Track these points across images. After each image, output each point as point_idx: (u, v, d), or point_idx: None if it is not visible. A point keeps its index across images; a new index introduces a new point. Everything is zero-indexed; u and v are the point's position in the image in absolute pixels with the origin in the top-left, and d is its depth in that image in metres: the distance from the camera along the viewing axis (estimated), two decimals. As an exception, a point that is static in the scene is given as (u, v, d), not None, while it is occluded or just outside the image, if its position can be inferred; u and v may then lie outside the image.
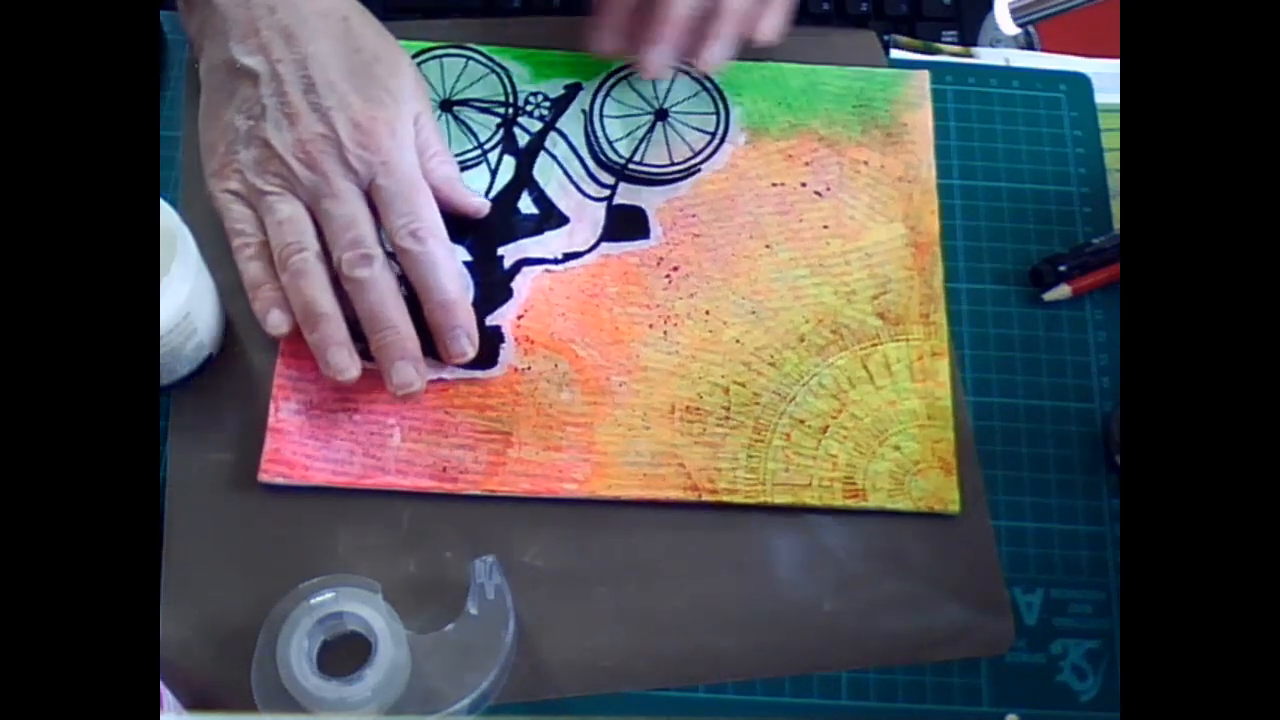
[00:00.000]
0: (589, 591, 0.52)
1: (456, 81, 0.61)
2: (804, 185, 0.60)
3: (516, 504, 0.53)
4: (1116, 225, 0.61)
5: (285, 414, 0.53)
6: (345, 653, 0.49)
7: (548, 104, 0.61)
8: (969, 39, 0.68)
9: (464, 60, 0.62)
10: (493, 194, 0.59)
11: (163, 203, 0.50)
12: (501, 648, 0.49)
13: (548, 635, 0.51)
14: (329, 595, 0.49)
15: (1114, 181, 0.62)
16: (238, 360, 0.55)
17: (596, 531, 0.53)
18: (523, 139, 0.60)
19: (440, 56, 0.62)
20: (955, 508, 0.54)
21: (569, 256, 0.58)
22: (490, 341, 0.55)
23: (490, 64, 0.62)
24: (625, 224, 0.59)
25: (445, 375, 0.54)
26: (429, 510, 0.53)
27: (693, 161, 0.60)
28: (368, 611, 0.48)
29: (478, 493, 0.53)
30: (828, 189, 0.60)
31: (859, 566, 0.53)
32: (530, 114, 0.60)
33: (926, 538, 0.53)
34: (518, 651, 0.50)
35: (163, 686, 0.45)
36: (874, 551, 0.53)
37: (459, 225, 0.57)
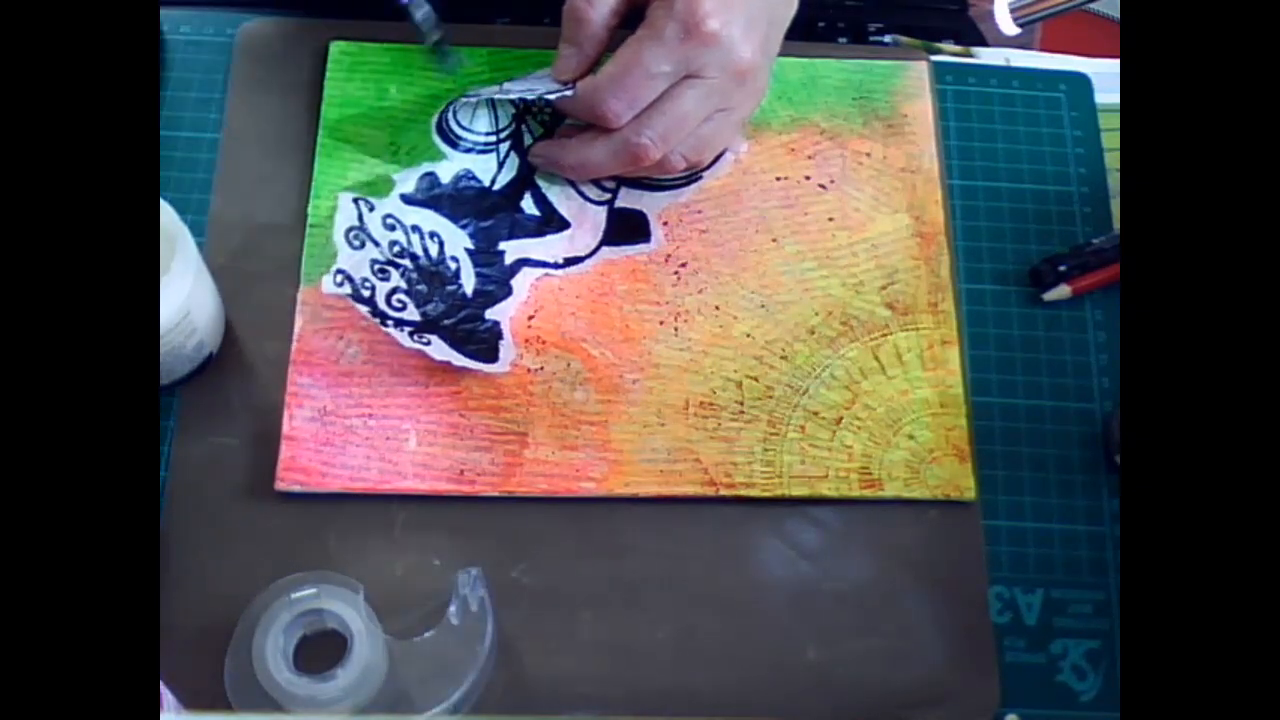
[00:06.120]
0: (574, 614, 0.51)
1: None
2: (808, 178, 0.60)
3: (509, 518, 0.53)
4: (1116, 225, 0.61)
5: (299, 421, 0.53)
6: (322, 651, 0.49)
7: (549, 110, 0.60)
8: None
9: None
10: (497, 187, 0.58)
11: (163, 203, 0.50)
12: (478, 660, 0.49)
13: (528, 653, 0.51)
14: (310, 591, 0.49)
15: (1114, 181, 0.62)
16: (238, 360, 0.55)
17: (587, 555, 0.52)
18: (528, 140, 0.60)
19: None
20: (971, 494, 0.54)
21: (570, 262, 0.58)
22: (489, 336, 0.55)
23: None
24: (626, 228, 0.58)
25: (453, 361, 0.53)
26: (422, 516, 0.53)
27: (694, 168, 0.60)
28: (347, 611, 0.48)
29: (496, 494, 0.53)
30: (831, 181, 0.60)
31: (847, 616, 0.52)
32: (536, 116, 0.60)
33: (920, 591, 0.52)
34: (496, 666, 0.50)
35: (163, 686, 0.45)
36: (864, 602, 0.52)
37: (465, 209, 0.57)
